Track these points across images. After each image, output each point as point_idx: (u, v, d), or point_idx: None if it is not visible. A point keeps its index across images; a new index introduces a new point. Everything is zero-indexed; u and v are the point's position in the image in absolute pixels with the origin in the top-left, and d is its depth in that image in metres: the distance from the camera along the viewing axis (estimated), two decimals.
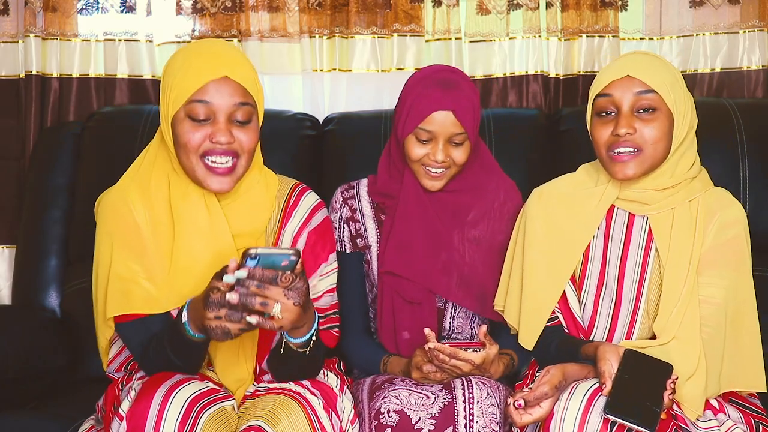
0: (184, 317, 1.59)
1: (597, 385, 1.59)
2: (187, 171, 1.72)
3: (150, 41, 2.70)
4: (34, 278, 2.42)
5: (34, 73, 2.62)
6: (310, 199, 1.89)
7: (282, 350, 1.66)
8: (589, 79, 2.66)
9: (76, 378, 2.26)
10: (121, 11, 2.69)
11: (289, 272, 1.52)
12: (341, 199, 2.09)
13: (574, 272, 1.85)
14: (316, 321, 1.66)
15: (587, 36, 2.68)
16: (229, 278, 1.49)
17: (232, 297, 1.49)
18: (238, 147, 1.70)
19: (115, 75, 2.69)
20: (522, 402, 1.58)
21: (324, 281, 1.84)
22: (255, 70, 1.75)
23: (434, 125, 1.92)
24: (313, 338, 1.66)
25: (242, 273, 1.49)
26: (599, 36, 2.68)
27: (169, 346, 1.63)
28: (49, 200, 2.46)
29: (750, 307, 1.76)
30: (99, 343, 1.82)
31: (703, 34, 2.70)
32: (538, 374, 1.68)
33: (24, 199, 2.51)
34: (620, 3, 2.69)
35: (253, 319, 1.51)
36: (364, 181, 2.11)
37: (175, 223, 1.73)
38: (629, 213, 1.83)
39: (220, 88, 1.67)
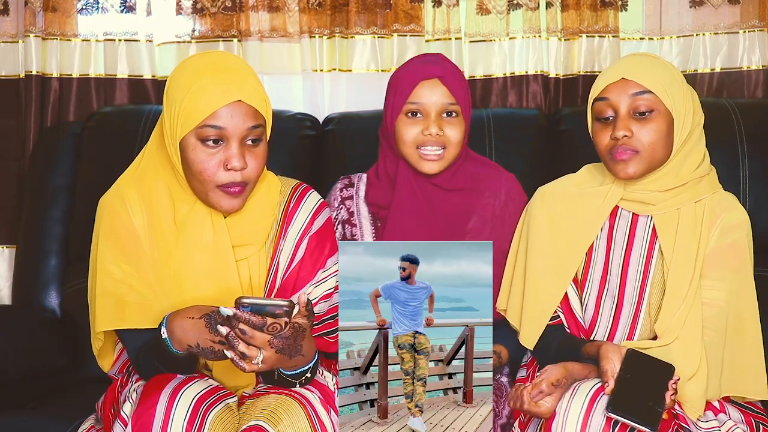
0: (164, 333, 1.59)
1: (599, 384, 1.59)
2: (197, 193, 1.71)
3: (150, 41, 2.70)
4: (34, 278, 2.42)
5: (34, 73, 2.63)
6: (312, 200, 1.86)
7: (276, 377, 1.67)
8: (589, 79, 2.66)
9: (76, 378, 2.26)
10: (121, 11, 2.69)
11: (278, 323, 1.51)
12: (339, 199, 2.07)
13: (576, 272, 1.85)
14: (314, 360, 1.67)
15: (587, 36, 2.68)
16: (224, 311, 1.51)
17: (222, 329, 1.50)
18: (249, 175, 1.69)
19: (115, 75, 2.69)
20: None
21: (320, 287, 1.81)
22: (262, 85, 1.73)
23: (423, 97, 1.91)
24: (308, 375, 1.67)
25: (229, 311, 1.49)
26: (599, 36, 2.68)
27: (157, 359, 1.63)
28: (49, 200, 2.46)
29: (752, 311, 1.76)
30: (93, 349, 1.81)
31: (703, 34, 2.70)
32: (538, 373, 1.68)
33: (24, 199, 2.51)
34: (620, 3, 2.69)
35: (229, 354, 1.52)
36: (364, 178, 2.09)
37: (180, 238, 1.72)
38: (633, 214, 1.83)
39: (234, 112, 1.65)
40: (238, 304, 1.50)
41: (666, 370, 1.60)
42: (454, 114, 1.93)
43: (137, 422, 1.54)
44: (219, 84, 1.65)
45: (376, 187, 2.04)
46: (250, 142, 1.68)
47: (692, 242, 1.76)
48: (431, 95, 1.91)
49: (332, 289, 1.82)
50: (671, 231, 1.78)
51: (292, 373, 1.65)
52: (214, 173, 1.66)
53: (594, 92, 1.81)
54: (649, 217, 1.82)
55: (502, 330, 1.89)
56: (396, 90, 1.94)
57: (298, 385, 1.67)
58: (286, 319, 1.52)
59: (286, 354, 1.54)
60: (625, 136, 1.74)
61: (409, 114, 1.93)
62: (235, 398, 1.67)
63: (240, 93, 1.65)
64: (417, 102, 1.91)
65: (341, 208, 2.06)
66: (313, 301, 1.79)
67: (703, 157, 1.82)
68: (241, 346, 1.50)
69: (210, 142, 1.65)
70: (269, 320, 1.50)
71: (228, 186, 1.68)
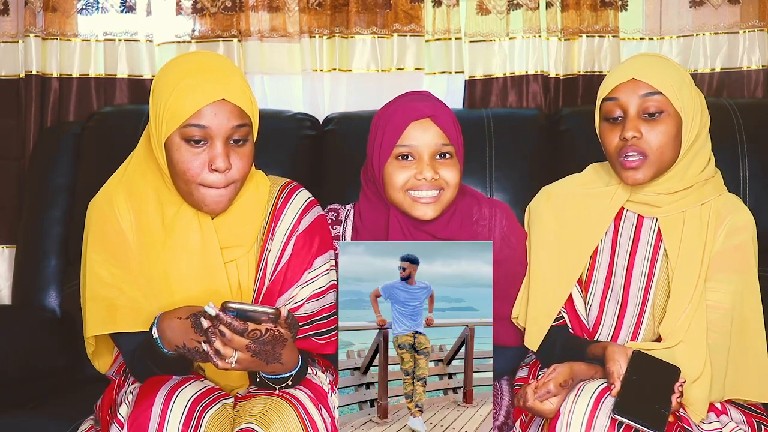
0: (155, 333, 1.59)
1: (604, 385, 1.59)
2: (182, 194, 1.70)
3: (150, 41, 2.70)
4: (34, 278, 2.42)
5: (34, 73, 2.62)
6: (300, 199, 1.83)
7: (258, 378, 1.67)
8: (589, 79, 2.67)
9: (76, 378, 2.26)
10: (121, 11, 2.69)
11: (259, 329, 1.51)
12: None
13: (581, 273, 1.84)
14: (296, 369, 1.66)
15: (587, 36, 2.68)
16: (209, 309, 1.50)
17: (204, 322, 1.50)
18: (234, 176, 1.68)
19: (115, 75, 2.69)
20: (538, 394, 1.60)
21: (306, 288, 1.78)
22: (248, 84, 1.72)
23: (415, 139, 1.79)
24: (288, 382, 1.66)
25: (213, 311, 1.49)
26: (599, 36, 2.68)
27: (150, 361, 1.63)
28: (49, 200, 2.46)
29: (756, 313, 1.76)
30: (87, 352, 1.81)
31: (703, 34, 2.70)
32: (540, 372, 1.68)
33: (24, 199, 2.51)
34: (620, 3, 2.69)
35: (205, 347, 1.51)
36: (351, 215, 1.97)
37: (168, 240, 1.72)
38: (638, 215, 1.83)
39: (218, 111, 1.64)
40: (224, 308, 1.50)
41: (672, 372, 1.60)
42: (448, 155, 1.82)
43: (133, 424, 1.54)
44: (203, 83, 1.64)
45: (364, 237, 1.92)
46: (234, 142, 1.67)
47: (698, 245, 1.76)
48: (424, 136, 1.79)
49: (323, 289, 1.80)
50: (676, 234, 1.78)
51: (272, 377, 1.66)
52: (198, 173, 1.66)
53: (603, 92, 1.80)
54: (654, 219, 1.81)
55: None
56: (384, 131, 1.82)
57: (277, 390, 1.68)
58: (268, 325, 1.52)
59: (262, 359, 1.54)
60: (635, 137, 1.73)
61: (400, 157, 1.80)
62: (232, 399, 1.67)
63: (224, 92, 1.64)
64: (408, 144, 1.79)
65: None
66: (300, 302, 1.77)
67: (709, 159, 1.82)
68: (218, 344, 1.50)
69: (194, 142, 1.65)
70: (251, 326, 1.50)
71: (209, 186, 1.67)
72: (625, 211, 1.84)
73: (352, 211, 1.98)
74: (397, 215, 1.87)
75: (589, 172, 1.93)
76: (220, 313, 1.49)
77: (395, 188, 1.83)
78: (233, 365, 1.52)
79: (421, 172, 1.79)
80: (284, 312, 1.54)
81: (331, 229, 1.93)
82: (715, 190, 1.81)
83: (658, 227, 1.81)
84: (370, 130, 1.90)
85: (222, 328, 1.49)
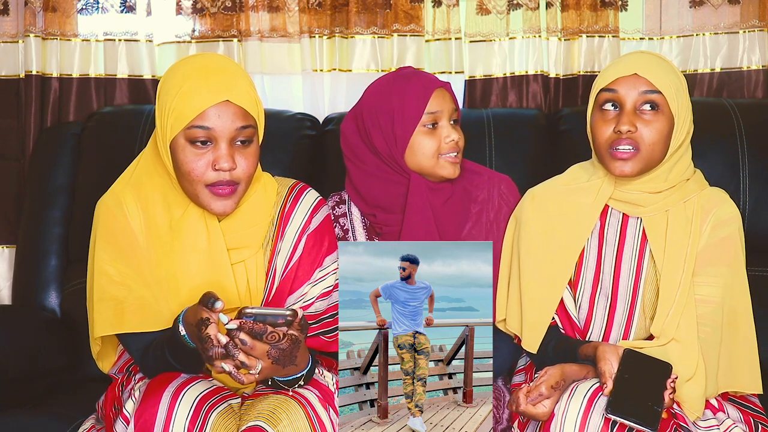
0: (182, 330, 1.58)
1: (597, 385, 1.59)
2: (188, 195, 1.71)
3: (150, 41, 2.70)
4: (34, 278, 2.42)
5: (34, 73, 2.62)
6: (310, 198, 1.86)
7: (270, 381, 1.67)
8: (589, 79, 2.66)
9: (76, 378, 2.26)
10: (121, 11, 2.69)
11: (277, 332, 1.52)
12: (332, 217, 2.02)
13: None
14: (307, 369, 1.67)
15: (587, 36, 2.68)
16: (226, 322, 1.50)
17: (222, 338, 1.50)
18: (239, 175, 1.68)
19: (115, 75, 2.69)
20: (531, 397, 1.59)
21: (317, 287, 1.81)
22: (254, 86, 1.73)
23: (438, 105, 1.89)
24: (300, 382, 1.67)
25: (233, 325, 1.49)
26: (599, 36, 2.68)
27: (170, 354, 1.63)
28: (49, 200, 2.46)
29: (745, 306, 1.77)
30: (92, 351, 1.82)
31: (703, 34, 2.70)
32: (536, 375, 1.68)
33: (24, 199, 2.51)
34: (620, 3, 2.69)
35: (227, 367, 1.51)
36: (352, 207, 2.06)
37: (174, 242, 1.72)
38: (623, 213, 1.83)
39: (221, 113, 1.65)
40: (242, 314, 1.50)
41: (664, 369, 1.60)
42: (457, 118, 1.93)
43: (139, 420, 1.55)
44: (207, 84, 1.65)
45: (378, 216, 1.98)
46: (239, 143, 1.68)
47: (683, 243, 1.76)
48: (443, 102, 1.90)
49: (331, 287, 1.82)
50: (661, 234, 1.78)
51: (284, 379, 1.66)
52: (203, 173, 1.67)
53: (602, 82, 1.80)
54: (639, 218, 1.82)
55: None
56: (406, 102, 1.89)
57: (290, 391, 1.68)
58: (284, 329, 1.53)
59: (281, 364, 1.55)
60: (629, 131, 1.74)
61: (426, 122, 1.89)
62: (239, 399, 1.67)
63: (228, 93, 1.65)
64: (434, 111, 1.89)
65: (335, 227, 2.02)
66: (311, 300, 1.79)
67: (688, 165, 1.83)
68: (241, 356, 1.50)
69: (199, 143, 1.66)
70: (269, 329, 1.51)
71: (216, 186, 1.68)
72: (610, 209, 1.84)
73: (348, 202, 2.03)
74: (419, 181, 1.93)
75: (572, 171, 1.93)
76: (241, 320, 1.49)
77: (427, 156, 1.90)
78: (257, 376, 1.52)
79: (448, 135, 1.89)
80: (300, 313, 1.55)
81: (337, 208, 2.03)
82: (698, 186, 1.82)
83: (643, 227, 1.81)
84: (376, 104, 1.93)
85: (242, 336, 1.49)
